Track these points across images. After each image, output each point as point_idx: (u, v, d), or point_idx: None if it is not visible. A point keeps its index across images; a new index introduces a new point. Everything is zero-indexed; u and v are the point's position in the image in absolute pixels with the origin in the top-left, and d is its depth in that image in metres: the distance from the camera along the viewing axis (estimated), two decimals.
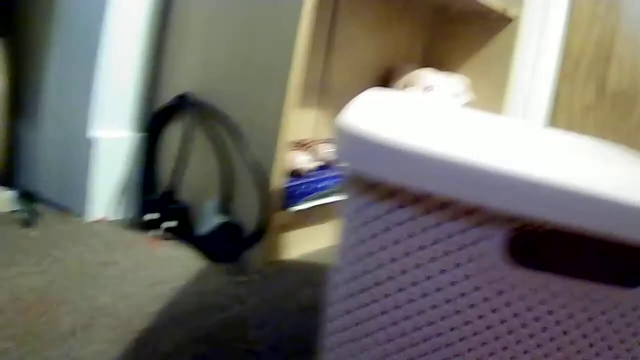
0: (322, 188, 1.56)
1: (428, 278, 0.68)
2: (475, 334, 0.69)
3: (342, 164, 0.66)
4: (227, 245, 1.44)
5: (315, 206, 1.55)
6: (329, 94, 1.89)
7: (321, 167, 1.65)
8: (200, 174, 1.52)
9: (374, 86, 2.12)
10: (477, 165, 0.61)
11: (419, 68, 2.09)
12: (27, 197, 1.53)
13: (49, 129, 1.59)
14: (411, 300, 0.69)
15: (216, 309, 1.22)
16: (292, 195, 1.49)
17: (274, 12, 1.39)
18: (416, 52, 2.35)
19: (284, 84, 1.38)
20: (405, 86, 2.02)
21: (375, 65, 2.11)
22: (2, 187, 1.54)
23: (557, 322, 0.68)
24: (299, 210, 1.51)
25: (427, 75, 2.03)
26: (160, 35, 1.60)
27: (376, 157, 0.63)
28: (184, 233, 1.50)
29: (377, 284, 0.70)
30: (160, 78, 1.60)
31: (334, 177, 1.60)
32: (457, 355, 0.70)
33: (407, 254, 0.68)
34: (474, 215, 0.65)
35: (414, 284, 0.68)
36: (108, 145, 1.53)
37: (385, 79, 2.18)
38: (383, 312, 0.71)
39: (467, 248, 0.66)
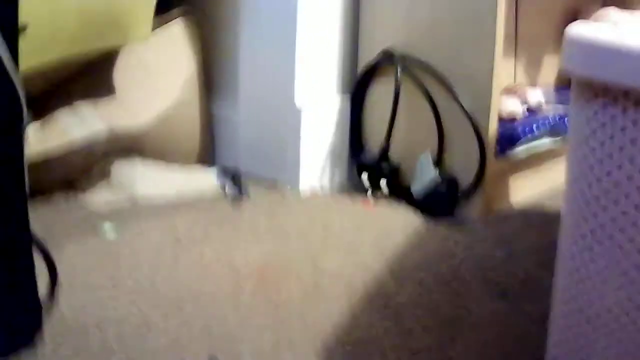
0: (535, 131, 1.51)
1: None
2: None
3: (574, 72, 0.71)
4: (444, 199, 1.41)
5: (530, 150, 1.51)
6: (522, 42, 1.82)
7: (531, 112, 1.59)
8: (411, 129, 1.50)
9: (562, 30, 2.02)
10: None
11: (602, 7, 1.99)
12: (231, 173, 1.54)
13: (249, 104, 1.62)
14: None
15: (441, 258, 1.20)
16: (506, 141, 1.45)
17: None
18: None
19: (490, 31, 1.35)
20: None
21: (559, 9, 2.02)
22: (205, 166, 1.58)
23: None
24: (514, 156, 1.47)
25: (614, 13, 1.95)
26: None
27: (609, 60, 0.66)
28: (399, 191, 1.49)
29: (614, 187, 0.69)
30: (362, 36, 1.58)
31: (545, 120, 1.54)
32: None
33: None
34: None
35: None
36: (316, 112, 1.54)
37: (572, 22, 2.07)
38: (624, 225, 0.69)
39: None
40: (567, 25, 2.06)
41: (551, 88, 1.89)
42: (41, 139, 1.37)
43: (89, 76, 1.51)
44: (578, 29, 0.71)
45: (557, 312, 0.79)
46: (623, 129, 0.67)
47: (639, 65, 0.64)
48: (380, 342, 0.96)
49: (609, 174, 0.69)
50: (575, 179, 0.74)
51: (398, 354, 0.94)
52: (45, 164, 1.36)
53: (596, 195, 0.70)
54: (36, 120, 1.41)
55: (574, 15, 2.07)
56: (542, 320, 0.88)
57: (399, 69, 1.46)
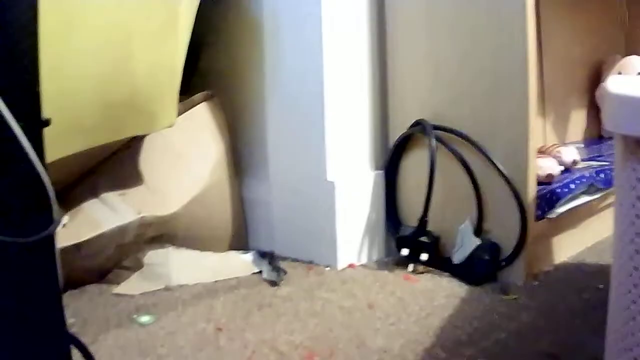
0: (574, 190, 1.49)
1: None
2: None
3: (618, 129, 0.70)
4: (486, 266, 1.39)
5: (570, 210, 1.48)
6: (549, 99, 1.82)
7: (566, 170, 1.58)
8: (448, 199, 1.48)
9: (586, 83, 2.04)
10: None
11: (625, 57, 2.00)
12: (267, 256, 1.53)
13: (280, 184, 1.61)
14: None
15: (490, 329, 1.18)
16: (545, 203, 1.43)
17: (497, 23, 1.36)
18: (620, 41, 2.22)
19: (522, 92, 1.33)
20: (619, 74, 1.98)
21: (583, 60, 2.03)
22: (240, 250, 1.57)
23: None
24: (554, 217, 1.45)
25: (637, 62, 2.00)
26: (381, 68, 1.58)
27: None
28: (440, 262, 1.47)
29: None
30: (391, 109, 1.58)
31: (582, 177, 1.53)
32: None
33: None
34: None
35: None
36: (349, 187, 1.52)
37: (596, 74, 2.09)
38: None
39: None
40: (591, 78, 2.09)
41: (581, 143, 1.88)
42: (72, 232, 1.37)
43: (117, 164, 1.51)
44: (617, 86, 0.70)
45: None
46: None
47: None
48: None
49: None
50: (623, 231, 0.72)
51: None
52: (77, 257, 1.36)
53: None
54: (65, 212, 1.41)
55: (597, 67, 2.07)
56: None
57: (432, 137, 1.45)
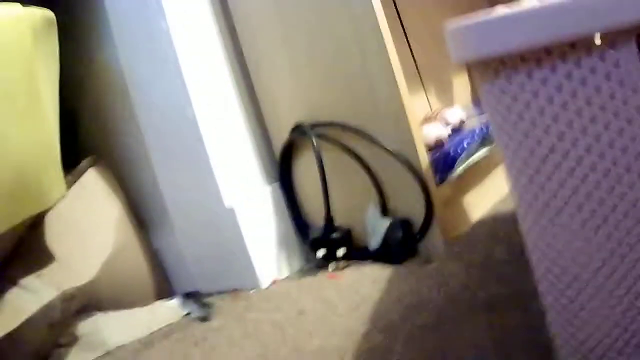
0: (467, 148, 1.51)
1: (591, 119, 0.65)
2: None
3: (466, 59, 0.70)
4: (403, 243, 1.40)
5: (470, 167, 1.51)
6: (425, 71, 1.85)
7: (454, 130, 1.61)
8: (347, 191, 1.49)
9: None
10: None
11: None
12: (192, 296, 1.53)
13: (184, 226, 1.60)
14: (587, 149, 0.66)
15: (422, 303, 1.18)
16: (442, 166, 1.44)
17: (348, 14, 1.38)
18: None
19: (387, 70, 1.35)
20: None
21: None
22: (165, 298, 1.55)
23: None
24: (455, 178, 1.47)
25: (500, 9, 1.99)
26: (247, 82, 1.59)
27: (493, 33, 0.65)
28: (358, 253, 1.47)
29: (550, 152, 0.67)
30: (267, 122, 1.59)
31: (473, 133, 1.55)
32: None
33: (564, 105, 0.65)
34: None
35: (583, 130, 0.66)
36: (249, 208, 1.51)
37: None
38: (566, 180, 0.68)
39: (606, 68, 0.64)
40: None
41: (468, 105, 1.90)
42: (1, 324, 1.33)
43: (26, 248, 1.48)
44: (456, 22, 0.70)
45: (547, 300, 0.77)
46: (534, 93, 0.66)
47: (521, 27, 0.63)
48: None
49: (539, 142, 0.67)
50: (510, 164, 0.72)
51: None
52: (10, 349, 1.32)
53: (537, 167, 0.69)
54: None
55: None
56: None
57: (313, 138, 1.46)
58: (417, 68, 1.80)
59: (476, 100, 1.95)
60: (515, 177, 0.72)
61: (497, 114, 0.70)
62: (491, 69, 0.68)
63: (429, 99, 1.82)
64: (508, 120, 0.69)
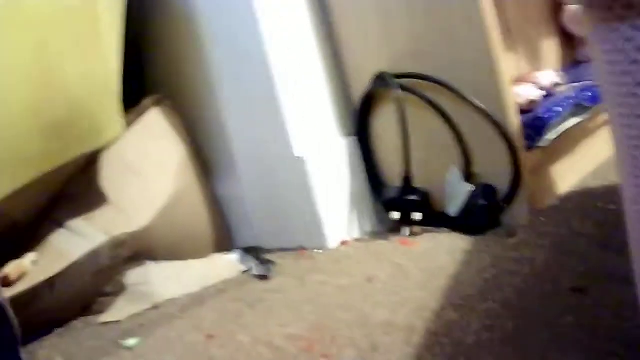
0: (560, 113, 1.41)
1: None
2: None
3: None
4: (485, 211, 1.33)
5: (562, 135, 1.42)
6: (516, 34, 1.77)
7: (548, 95, 1.50)
8: (429, 149, 1.42)
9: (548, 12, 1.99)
10: None
11: None
12: (253, 252, 1.49)
13: (250, 174, 1.55)
14: None
15: (503, 278, 1.12)
16: (533, 131, 1.36)
17: None
18: None
19: (480, 27, 1.28)
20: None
21: None
22: (224, 252, 1.52)
23: None
24: (546, 145, 1.38)
25: None
26: (327, 27, 1.51)
27: None
28: (436, 218, 1.40)
29: None
30: (346, 70, 1.51)
31: (567, 98, 1.45)
32: None
33: None
34: None
35: None
36: (320, 160, 1.45)
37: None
38: None
39: None
40: (551, 5, 2.04)
41: (559, 71, 1.81)
42: (43, 268, 1.32)
43: (76, 189, 1.46)
44: None
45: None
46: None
47: None
48: None
49: None
50: (623, 125, 0.63)
51: None
52: (53, 292, 1.31)
53: None
54: (33, 249, 1.37)
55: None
56: None
57: (396, 89, 1.39)
58: (509, 30, 1.72)
59: (567, 67, 1.85)
60: (624, 143, 0.63)
61: (616, 65, 0.62)
62: (614, 14, 0.59)
63: (519, 62, 1.73)
64: (629, 73, 0.60)
